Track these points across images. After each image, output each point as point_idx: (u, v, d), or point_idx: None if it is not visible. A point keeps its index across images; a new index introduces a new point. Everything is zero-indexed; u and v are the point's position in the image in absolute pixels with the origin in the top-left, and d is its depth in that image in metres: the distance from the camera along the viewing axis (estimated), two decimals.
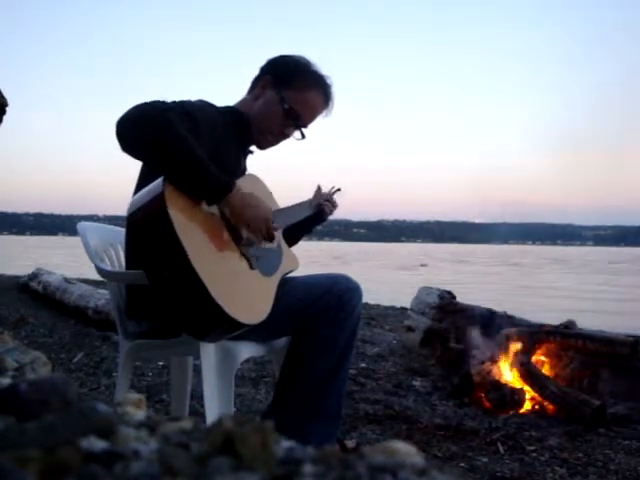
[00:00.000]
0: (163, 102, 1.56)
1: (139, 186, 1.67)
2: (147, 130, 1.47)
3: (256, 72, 1.92)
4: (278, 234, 1.90)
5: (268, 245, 1.81)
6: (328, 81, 1.89)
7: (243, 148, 1.93)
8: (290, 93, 1.84)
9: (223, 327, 1.54)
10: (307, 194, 2.19)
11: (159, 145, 1.48)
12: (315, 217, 2.16)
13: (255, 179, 1.92)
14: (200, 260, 1.46)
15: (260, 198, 1.66)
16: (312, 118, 1.90)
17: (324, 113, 1.91)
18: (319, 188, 2.20)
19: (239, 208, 1.59)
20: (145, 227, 1.52)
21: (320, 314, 1.80)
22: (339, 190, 2.25)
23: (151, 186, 1.53)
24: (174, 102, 1.61)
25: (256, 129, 1.88)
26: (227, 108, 1.88)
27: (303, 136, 1.91)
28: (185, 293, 1.47)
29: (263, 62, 1.91)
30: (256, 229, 1.65)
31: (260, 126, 1.87)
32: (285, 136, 1.90)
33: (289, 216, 2.01)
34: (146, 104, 1.51)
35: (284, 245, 1.95)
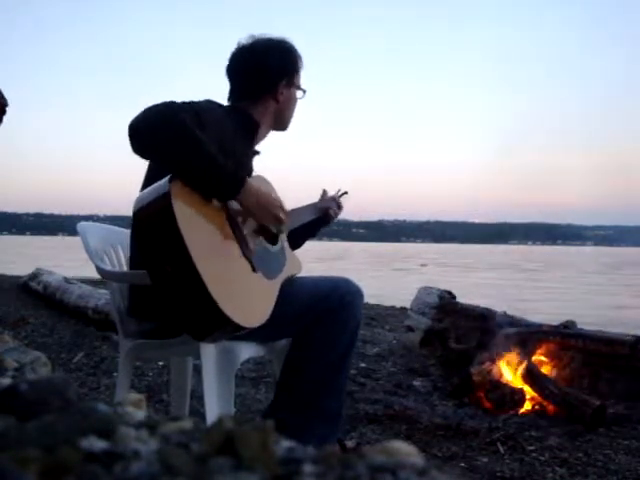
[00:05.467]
0: (174, 103, 1.57)
1: (146, 184, 1.67)
2: (161, 130, 1.50)
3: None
4: (282, 237, 1.90)
5: (272, 248, 1.81)
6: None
7: (250, 149, 1.94)
8: (299, 78, 1.98)
9: (223, 329, 1.54)
10: (310, 194, 2.20)
11: (173, 145, 1.50)
12: (320, 220, 2.17)
13: (263, 180, 1.93)
14: (203, 260, 1.46)
15: (269, 193, 1.70)
16: None
17: None
18: (325, 192, 2.21)
19: (252, 202, 1.63)
20: (150, 225, 1.52)
21: (321, 317, 1.80)
22: (346, 193, 2.25)
23: (157, 184, 1.53)
24: (184, 102, 1.63)
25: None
26: (235, 108, 1.89)
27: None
28: (186, 293, 1.47)
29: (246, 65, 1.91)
30: (269, 216, 1.68)
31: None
32: None
33: (294, 219, 2.01)
34: (158, 106, 1.53)
35: (287, 248, 1.95)
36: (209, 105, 1.75)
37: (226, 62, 1.93)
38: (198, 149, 1.50)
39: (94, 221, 2.10)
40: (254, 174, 1.94)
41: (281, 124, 2.00)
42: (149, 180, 1.64)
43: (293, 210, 2.02)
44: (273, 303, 1.69)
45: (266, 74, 1.90)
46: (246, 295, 1.63)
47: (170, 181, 1.49)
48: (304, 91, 2.00)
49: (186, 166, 1.51)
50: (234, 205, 1.64)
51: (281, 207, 1.71)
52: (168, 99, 1.59)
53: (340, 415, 1.88)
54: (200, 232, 1.53)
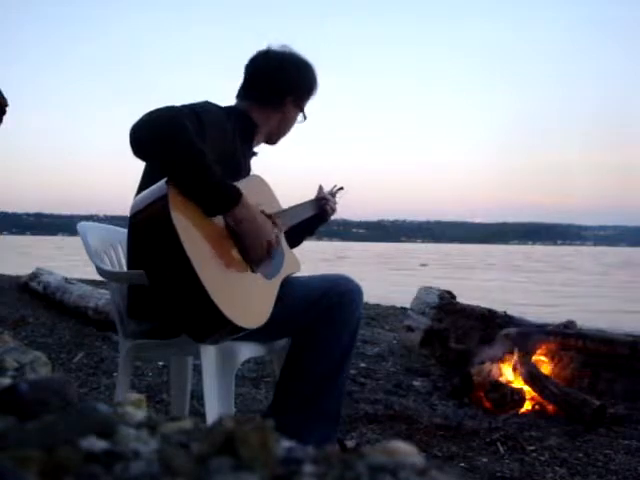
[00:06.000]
0: (174, 107, 1.57)
1: (142, 186, 1.67)
2: (162, 137, 1.49)
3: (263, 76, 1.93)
4: (281, 236, 1.90)
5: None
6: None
7: (248, 149, 1.94)
8: (307, 101, 2.00)
9: (224, 330, 1.53)
10: (308, 194, 2.20)
11: (173, 152, 1.49)
12: (318, 217, 2.16)
13: (259, 180, 1.93)
14: (201, 263, 1.46)
15: (262, 217, 1.68)
16: None
17: None
18: (321, 188, 2.20)
19: (242, 226, 1.61)
20: (147, 228, 1.52)
21: (321, 315, 1.80)
22: (342, 189, 2.25)
23: (154, 187, 1.53)
24: (184, 106, 1.62)
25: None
26: (233, 109, 1.89)
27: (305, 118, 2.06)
28: (185, 295, 1.47)
29: (267, 69, 1.92)
30: (256, 249, 1.66)
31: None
32: None
33: (292, 217, 2.01)
34: (160, 110, 1.53)
35: (286, 247, 1.95)
36: (208, 106, 1.75)
37: (248, 58, 1.93)
38: (197, 159, 1.49)
39: (94, 221, 2.10)
40: (251, 174, 1.94)
41: (276, 137, 2.02)
42: (145, 184, 1.64)
43: (290, 208, 2.02)
44: (273, 303, 1.69)
45: (283, 85, 1.92)
46: (246, 296, 1.63)
47: (167, 183, 1.49)
48: (305, 117, 2.02)
49: (181, 173, 1.50)
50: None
51: (276, 237, 1.71)
52: (168, 100, 1.59)
53: (340, 415, 1.88)
54: (198, 234, 1.52)
